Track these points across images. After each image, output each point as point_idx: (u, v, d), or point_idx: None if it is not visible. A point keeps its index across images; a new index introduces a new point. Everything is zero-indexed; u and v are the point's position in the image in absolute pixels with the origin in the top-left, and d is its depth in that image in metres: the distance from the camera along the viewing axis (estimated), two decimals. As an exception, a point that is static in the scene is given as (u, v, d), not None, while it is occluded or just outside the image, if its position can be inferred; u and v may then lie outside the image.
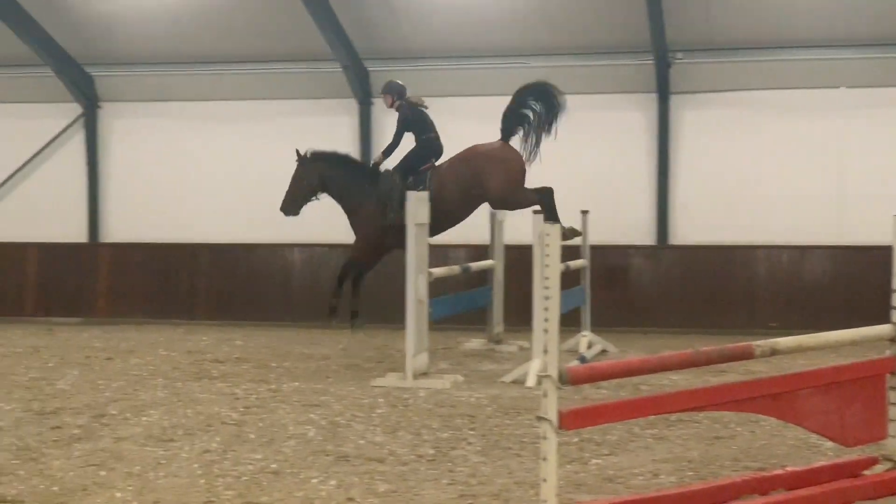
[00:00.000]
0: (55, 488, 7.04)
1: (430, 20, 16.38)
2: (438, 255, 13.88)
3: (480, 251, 15.11)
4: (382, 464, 7.72)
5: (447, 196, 12.54)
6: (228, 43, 17.17)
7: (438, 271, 12.06)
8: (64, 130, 18.10)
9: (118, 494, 6.89)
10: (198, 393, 10.75)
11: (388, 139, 13.13)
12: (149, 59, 17.71)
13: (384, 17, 16.39)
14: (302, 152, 13.18)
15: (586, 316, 14.11)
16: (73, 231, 18.06)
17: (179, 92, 17.93)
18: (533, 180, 12.54)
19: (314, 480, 7.25)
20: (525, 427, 9.00)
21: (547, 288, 5.27)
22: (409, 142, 13.03)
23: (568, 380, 5.21)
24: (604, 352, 13.79)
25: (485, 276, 14.60)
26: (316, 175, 13.11)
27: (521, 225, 13.73)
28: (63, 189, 18.09)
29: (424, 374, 11.46)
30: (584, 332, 13.90)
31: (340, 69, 16.93)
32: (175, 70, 17.79)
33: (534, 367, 11.16)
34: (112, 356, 13.49)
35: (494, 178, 12.43)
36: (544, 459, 5.16)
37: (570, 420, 5.23)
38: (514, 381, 11.39)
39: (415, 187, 12.44)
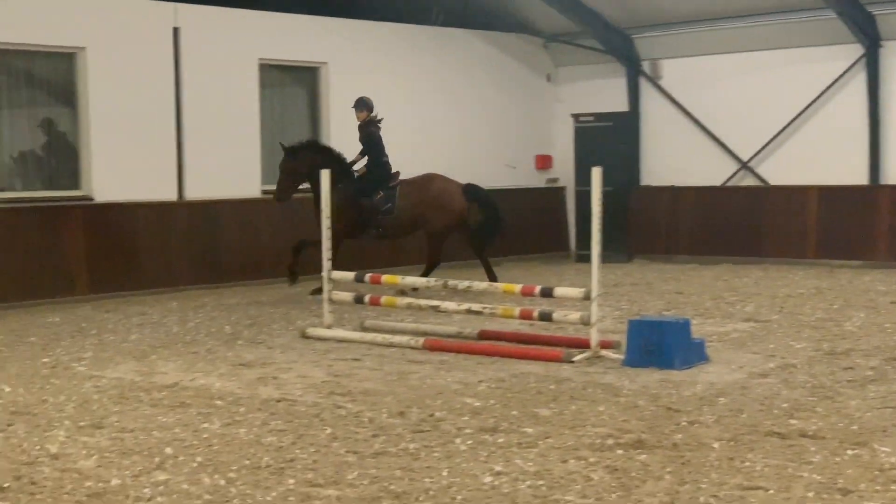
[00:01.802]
0: (854, 427, 7.14)
1: None
2: None
3: None
4: None
5: (401, 215, 14.31)
6: None
7: None
8: (845, 72, 17.98)
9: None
10: None
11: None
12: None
13: None
14: (286, 145, 14.36)
15: None
16: (853, 173, 17.91)
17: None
18: None
19: None
20: None
21: None
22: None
23: None
24: None
25: None
26: (306, 166, 14.00)
27: None
28: (844, 131, 18.00)
29: None
30: None
31: None
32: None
33: None
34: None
35: (437, 217, 14.34)
36: None
37: None
38: None
39: (384, 203, 14.20)
